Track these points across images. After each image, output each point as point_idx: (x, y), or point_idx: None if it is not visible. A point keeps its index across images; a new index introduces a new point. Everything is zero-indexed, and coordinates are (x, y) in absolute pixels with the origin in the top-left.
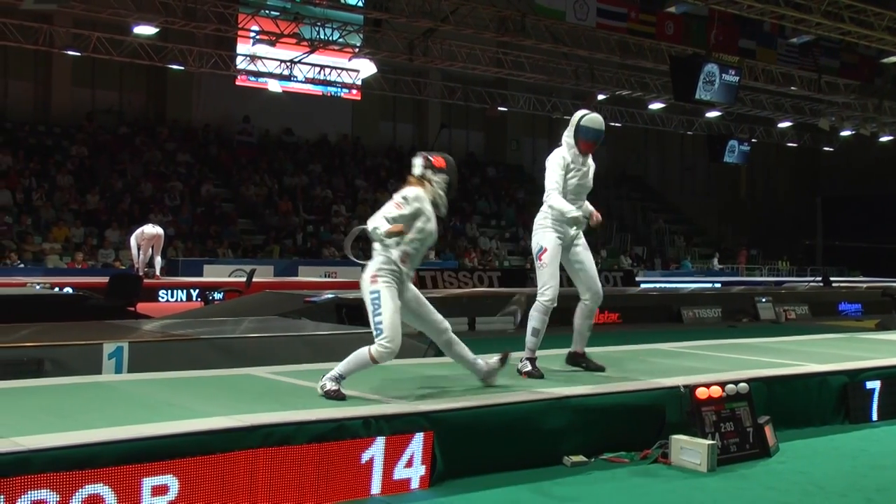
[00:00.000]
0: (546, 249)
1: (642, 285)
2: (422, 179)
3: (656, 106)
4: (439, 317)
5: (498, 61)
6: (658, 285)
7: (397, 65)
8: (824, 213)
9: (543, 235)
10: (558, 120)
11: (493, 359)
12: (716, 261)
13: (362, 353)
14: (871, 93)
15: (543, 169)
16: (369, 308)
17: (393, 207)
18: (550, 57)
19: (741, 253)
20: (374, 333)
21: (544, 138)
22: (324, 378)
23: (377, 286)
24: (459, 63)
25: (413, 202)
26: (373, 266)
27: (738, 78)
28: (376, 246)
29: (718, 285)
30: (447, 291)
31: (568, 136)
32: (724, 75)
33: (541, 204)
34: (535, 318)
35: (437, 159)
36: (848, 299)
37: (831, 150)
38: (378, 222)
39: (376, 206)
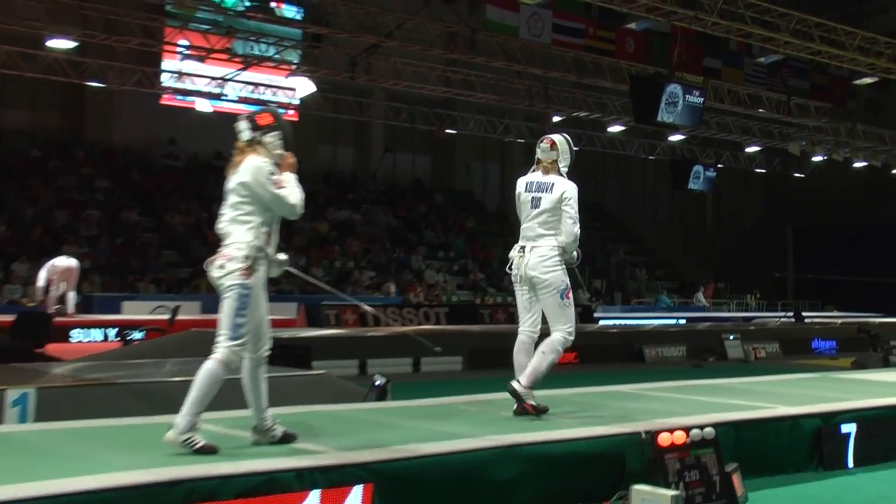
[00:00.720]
0: (570, 288)
1: (601, 322)
2: (253, 145)
3: (616, 129)
4: (269, 332)
5: (446, 80)
6: (619, 322)
7: (338, 83)
8: (796, 243)
9: (563, 273)
10: (511, 143)
11: (279, 430)
12: (700, 295)
13: (208, 370)
14: (844, 116)
15: (496, 195)
16: (233, 304)
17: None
18: (502, 76)
19: (707, 286)
20: (227, 334)
21: (496, 163)
22: (176, 428)
23: (248, 281)
24: (405, 82)
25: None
26: (239, 251)
27: (702, 99)
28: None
29: (683, 321)
30: (390, 329)
31: (566, 166)
32: (687, 96)
33: (502, 234)
34: (557, 355)
35: (262, 116)
36: (822, 336)
37: (802, 176)
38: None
39: (314, 237)
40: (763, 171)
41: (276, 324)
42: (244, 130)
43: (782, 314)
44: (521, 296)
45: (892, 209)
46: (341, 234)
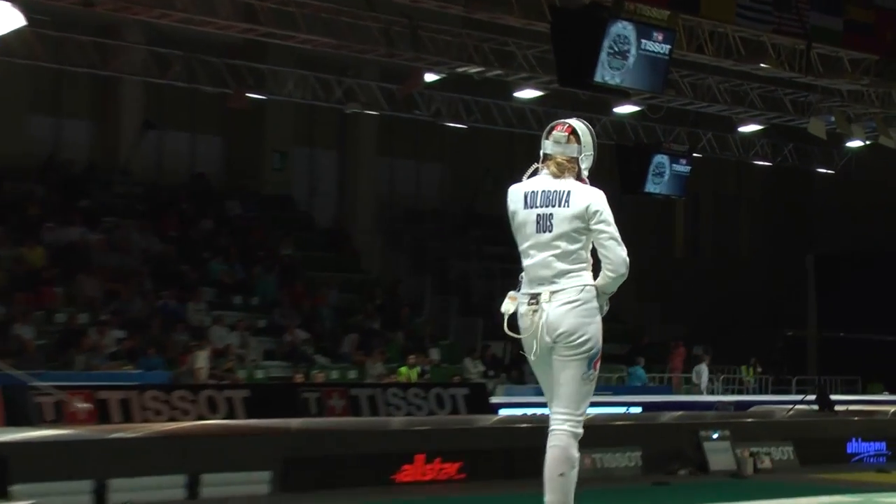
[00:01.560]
0: (601, 354)
1: (502, 411)
2: None
3: (528, 94)
4: None
5: (248, 10)
6: (531, 411)
7: (65, 14)
8: (820, 280)
9: (600, 329)
10: (355, 118)
11: None
12: (703, 369)
13: None
14: None
15: (332, 202)
16: None
17: None
18: (343, 5)
19: (675, 352)
20: None
21: (330, 149)
22: None
23: None
24: (178, 13)
25: None
26: None
27: (668, 47)
28: None
29: (638, 409)
30: (150, 427)
31: (588, 167)
32: (645, 42)
33: (341, 266)
34: (576, 464)
35: None
36: (863, 434)
37: (830, 172)
38: None
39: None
40: (767, 163)
41: None
42: None
43: (799, 397)
44: (543, 372)
45: None
46: (67, 266)
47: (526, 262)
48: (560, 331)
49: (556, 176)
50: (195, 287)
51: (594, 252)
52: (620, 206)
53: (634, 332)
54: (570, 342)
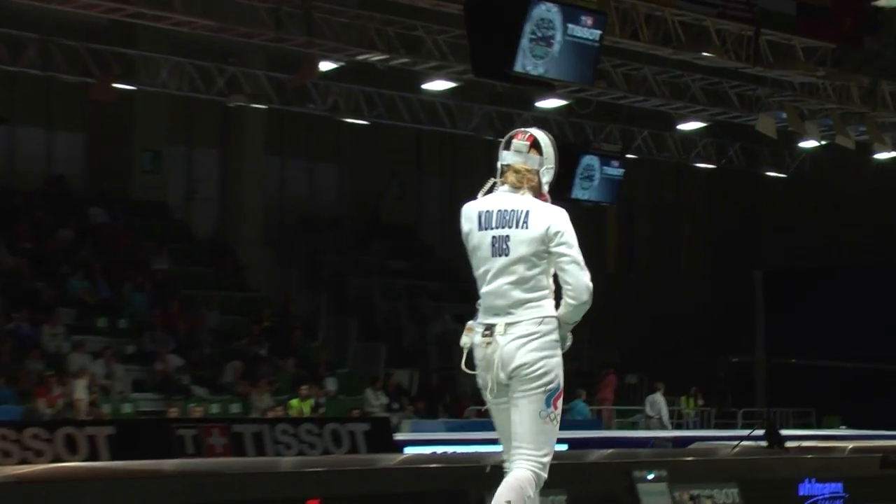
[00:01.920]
0: (562, 391)
1: (408, 450)
2: None
3: (438, 85)
4: None
5: None
6: (441, 449)
7: None
8: (769, 300)
9: (560, 364)
10: (239, 112)
11: None
12: (659, 399)
13: None
14: (859, 65)
15: (213, 209)
16: None
17: None
18: None
19: (606, 381)
20: None
21: (210, 148)
22: None
23: None
24: None
25: None
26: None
27: (598, 32)
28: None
29: (563, 447)
30: None
31: (550, 181)
32: (572, 26)
33: (226, 283)
34: None
35: None
36: (817, 474)
37: (781, 176)
38: None
39: None
40: (710, 166)
41: None
42: None
43: (745, 432)
44: (499, 412)
45: None
46: None
47: (481, 290)
48: (514, 365)
49: (514, 187)
50: (52, 307)
51: (556, 278)
52: None
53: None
54: (526, 376)
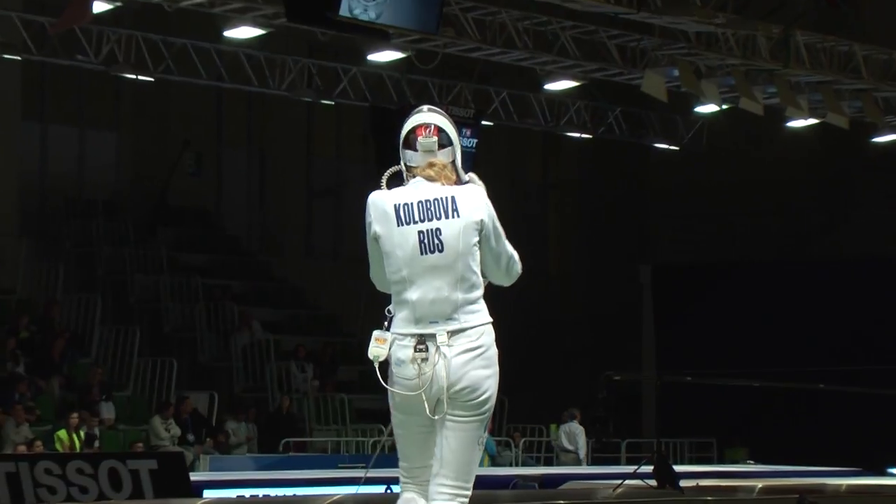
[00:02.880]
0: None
1: (208, 493)
2: None
3: (244, 33)
4: None
5: None
6: (248, 491)
7: None
8: (659, 302)
9: (497, 378)
10: None
11: None
12: (581, 435)
13: None
14: (768, 11)
15: None
16: None
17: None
18: None
19: None
20: None
21: None
22: None
23: None
24: None
25: None
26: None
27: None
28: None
29: (383, 489)
30: None
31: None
32: None
33: None
34: None
35: None
36: None
37: (672, 149)
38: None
39: None
40: (585, 136)
41: None
42: None
43: (631, 469)
44: (420, 434)
45: (868, 223)
46: None
47: (404, 295)
48: (459, 387)
49: (431, 180)
50: None
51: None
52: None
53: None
54: (470, 401)
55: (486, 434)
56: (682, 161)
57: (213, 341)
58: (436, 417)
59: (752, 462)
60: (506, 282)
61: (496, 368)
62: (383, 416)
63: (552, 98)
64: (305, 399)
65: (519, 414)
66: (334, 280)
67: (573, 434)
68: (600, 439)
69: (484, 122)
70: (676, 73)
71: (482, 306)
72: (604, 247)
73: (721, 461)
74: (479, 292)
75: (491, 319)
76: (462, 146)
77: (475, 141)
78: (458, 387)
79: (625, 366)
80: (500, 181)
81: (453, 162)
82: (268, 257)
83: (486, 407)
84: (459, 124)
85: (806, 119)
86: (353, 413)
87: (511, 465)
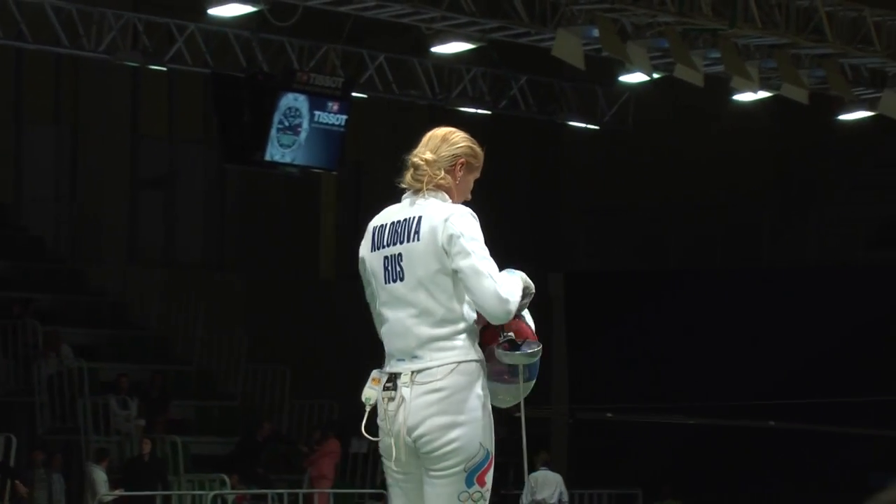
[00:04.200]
0: (491, 460)
1: None
2: None
3: None
4: None
5: None
6: None
7: None
8: (573, 317)
9: (484, 426)
10: None
11: None
12: (553, 483)
13: None
14: None
15: None
16: None
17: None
18: None
19: (322, 449)
20: None
21: None
22: None
23: None
24: None
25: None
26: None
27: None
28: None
29: None
30: None
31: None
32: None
33: None
34: None
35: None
36: None
37: (590, 128)
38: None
39: None
40: (483, 111)
41: None
42: None
43: None
44: (408, 489)
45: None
46: None
47: (382, 329)
48: (417, 433)
49: (413, 189)
50: None
51: None
52: (220, 185)
53: (247, 413)
54: (432, 452)
55: (479, 486)
56: (603, 143)
57: (11, 370)
58: (393, 467)
59: None
60: (494, 319)
61: (470, 416)
62: (225, 464)
63: (441, 64)
64: (127, 442)
65: None
66: (166, 293)
67: (548, 483)
68: (498, 492)
69: (356, 95)
70: (596, 33)
71: (458, 343)
72: (503, 249)
73: None
74: (454, 327)
75: (471, 357)
76: (328, 124)
77: (344, 118)
78: (416, 433)
79: (529, 398)
80: (377, 167)
81: (437, 161)
82: (81, 264)
83: (456, 460)
84: (324, 96)
85: (756, 92)
86: (189, 460)
87: None
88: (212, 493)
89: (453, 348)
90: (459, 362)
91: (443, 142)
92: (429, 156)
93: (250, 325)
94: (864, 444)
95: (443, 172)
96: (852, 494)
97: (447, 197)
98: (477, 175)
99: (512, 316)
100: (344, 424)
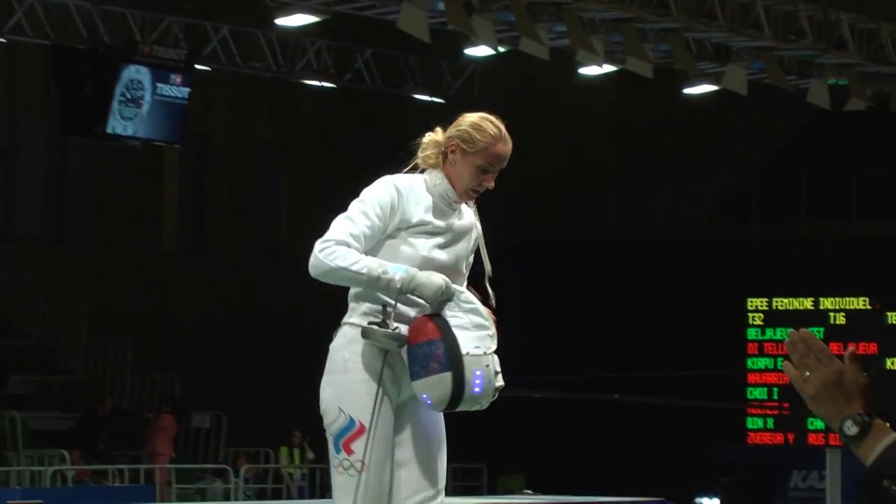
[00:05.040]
0: (361, 426)
1: None
2: None
3: None
4: None
5: None
6: None
7: None
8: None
9: (339, 385)
10: None
11: None
12: None
13: None
14: None
15: None
16: None
17: None
18: None
19: (156, 426)
20: None
21: None
22: None
23: None
24: None
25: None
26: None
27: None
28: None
29: None
30: None
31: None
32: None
33: None
34: None
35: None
36: None
37: (436, 102)
38: None
39: None
40: (328, 84)
41: None
42: None
43: None
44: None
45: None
46: None
47: None
48: None
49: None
50: None
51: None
52: (61, 158)
53: (89, 388)
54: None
55: (345, 453)
56: (450, 117)
57: None
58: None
59: (530, 492)
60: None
61: (332, 377)
62: (66, 439)
63: (285, 37)
64: None
65: (239, 437)
66: (5, 267)
67: None
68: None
69: (199, 67)
70: (441, 6)
71: (351, 304)
72: None
73: (493, 491)
74: (354, 290)
75: (351, 321)
76: (171, 97)
77: (187, 91)
78: None
79: None
80: (220, 140)
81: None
82: None
83: (325, 422)
84: (168, 69)
85: (601, 66)
86: (28, 436)
87: (230, 499)
88: (51, 469)
89: (349, 310)
90: (343, 323)
91: (452, 125)
92: (431, 136)
93: (91, 298)
94: (709, 419)
95: (429, 152)
96: (696, 468)
97: (440, 176)
98: (479, 161)
99: (314, 270)
100: (185, 399)
